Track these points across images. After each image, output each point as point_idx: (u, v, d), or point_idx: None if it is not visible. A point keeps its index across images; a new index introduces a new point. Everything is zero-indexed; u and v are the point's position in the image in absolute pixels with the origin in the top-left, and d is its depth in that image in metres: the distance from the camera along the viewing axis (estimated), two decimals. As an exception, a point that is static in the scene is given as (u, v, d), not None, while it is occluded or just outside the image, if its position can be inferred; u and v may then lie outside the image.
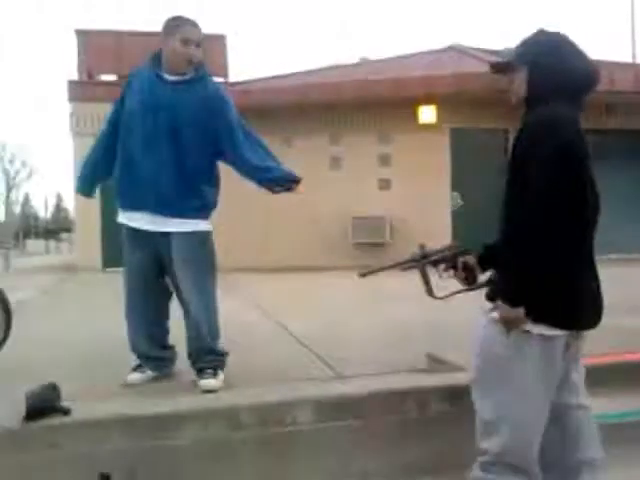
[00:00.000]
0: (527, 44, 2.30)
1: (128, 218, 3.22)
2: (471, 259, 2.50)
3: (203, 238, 3.19)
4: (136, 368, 3.26)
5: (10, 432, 2.49)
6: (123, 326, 3.29)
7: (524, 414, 2.12)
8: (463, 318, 5.00)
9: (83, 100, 11.59)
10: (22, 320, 4.37)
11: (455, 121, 10.70)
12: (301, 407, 2.75)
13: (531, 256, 2.04)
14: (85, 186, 3.41)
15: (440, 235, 10.56)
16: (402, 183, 10.50)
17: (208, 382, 3.01)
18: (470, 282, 2.52)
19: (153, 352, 3.28)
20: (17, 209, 51.85)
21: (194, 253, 3.13)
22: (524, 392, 2.10)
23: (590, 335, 2.23)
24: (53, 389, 2.64)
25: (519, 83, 2.27)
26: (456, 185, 10.77)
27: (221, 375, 3.10)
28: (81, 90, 11.76)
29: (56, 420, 2.55)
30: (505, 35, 40.84)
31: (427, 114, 10.63)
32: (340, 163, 10.79)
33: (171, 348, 3.38)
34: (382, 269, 2.73)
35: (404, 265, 2.65)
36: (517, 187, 2.15)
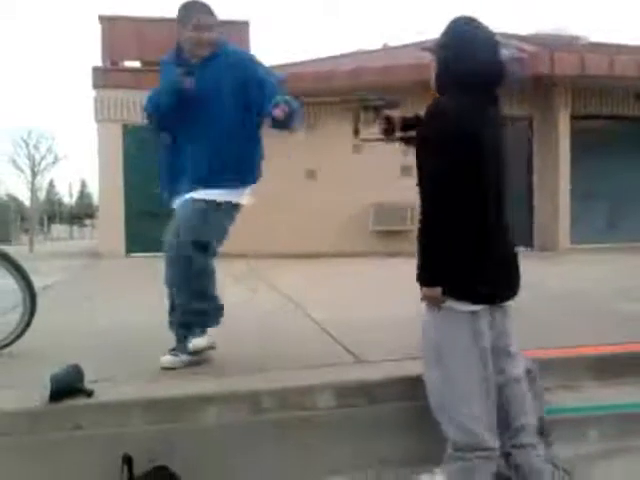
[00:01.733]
0: (441, 35, 2.39)
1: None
2: (396, 114, 2.64)
3: (209, 206, 3.14)
4: (171, 351, 3.21)
5: (35, 413, 2.54)
6: (150, 313, 3.31)
7: (465, 389, 2.28)
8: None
9: (107, 87, 11.66)
10: (46, 305, 4.43)
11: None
12: (321, 392, 2.76)
13: (435, 240, 2.26)
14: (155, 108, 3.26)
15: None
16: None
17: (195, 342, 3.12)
18: (388, 134, 2.66)
19: (204, 304, 3.21)
20: (42, 195, 52.49)
21: (193, 218, 3.12)
22: (461, 367, 2.28)
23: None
24: (77, 371, 2.68)
25: (432, 73, 2.42)
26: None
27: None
28: (105, 77, 11.83)
29: (80, 401, 2.58)
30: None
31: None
32: (362, 149, 10.74)
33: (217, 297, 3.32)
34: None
35: (346, 105, 2.79)
36: (419, 171, 2.37)
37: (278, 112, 2.92)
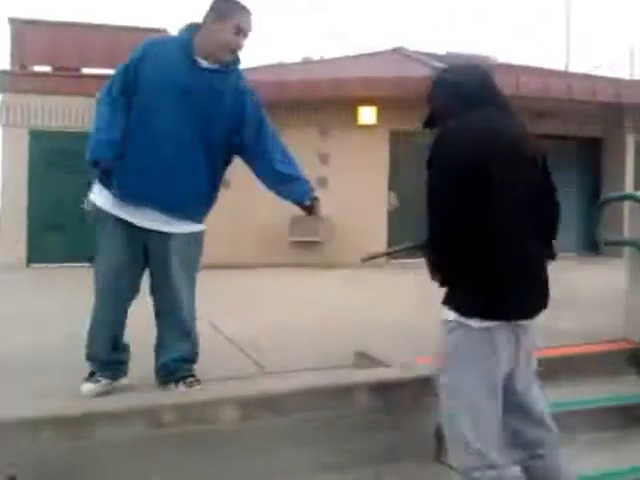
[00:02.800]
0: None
1: (125, 211, 2.87)
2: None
3: (201, 239, 3.08)
4: (89, 377, 3.02)
5: None
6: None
7: (475, 402, 2.24)
8: (393, 318, 5.09)
9: (15, 91, 11.17)
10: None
11: (395, 123, 10.80)
12: (224, 405, 2.71)
13: (441, 261, 2.28)
14: (107, 150, 2.81)
15: (375, 234, 10.67)
16: (340, 182, 10.53)
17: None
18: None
19: (113, 355, 3.04)
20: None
21: (191, 254, 3.01)
22: (472, 381, 2.24)
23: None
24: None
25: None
26: (393, 186, 10.88)
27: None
28: (13, 81, 11.33)
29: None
30: (451, 41, 41.71)
31: (367, 115, 10.70)
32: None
33: (128, 350, 3.15)
34: (382, 254, 3.23)
35: (394, 254, 3.16)
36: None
37: (315, 208, 3.20)
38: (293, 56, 23.14)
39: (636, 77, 17.21)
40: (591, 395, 3.36)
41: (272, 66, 12.98)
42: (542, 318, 2.35)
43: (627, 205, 4.49)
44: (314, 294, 6.71)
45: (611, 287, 4.70)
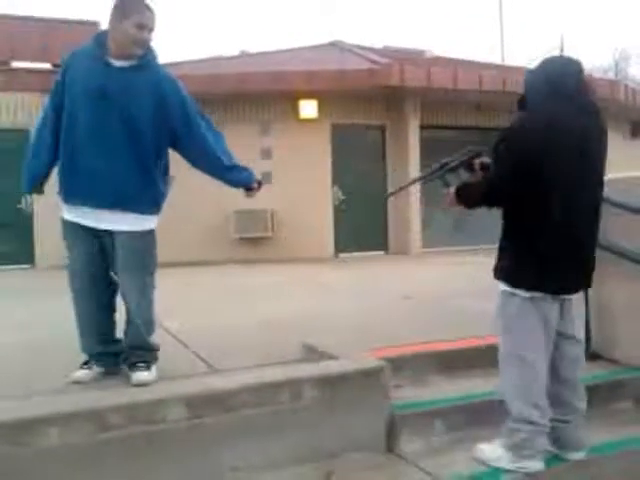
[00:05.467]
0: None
1: (71, 213, 3.04)
2: (486, 159, 2.89)
3: (148, 235, 3.08)
4: (83, 365, 3.15)
5: None
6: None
7: (523, 355, 2.70)
8: (335, 310, 5.12)
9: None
10: None
11: (336, 116, 10.84)
12: (171, 404, 2.66)
13: (503, 237, 2.80)
14: (35, 184, 3.11)
15: (322, 228, 10.72)
16: (284, 177, 10.50)
17: (140, 374, 2.95)
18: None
19: (100, 348, 3.15)
20: None
21: (138, 250, 3.03)
22: (523, 340, 2.71)
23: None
24: None
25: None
26: (337, 180, 10.93)
27: (154, 369, 3.05)
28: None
29: None
30: (385, 34, 42.22)
31: (308, 109, 10.69)
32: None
33: (119, 342, 3.22)
34: (406, 186, 3.44)
35: (427, 177, 3.04)
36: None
37: (255, 188, 3.29)
38: (229, 50, 22.92)
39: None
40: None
41: (207, 59, 12.82)
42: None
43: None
44: (258, 290, 6.68)
45: None
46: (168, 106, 2.98)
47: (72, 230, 3.07)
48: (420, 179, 3.13)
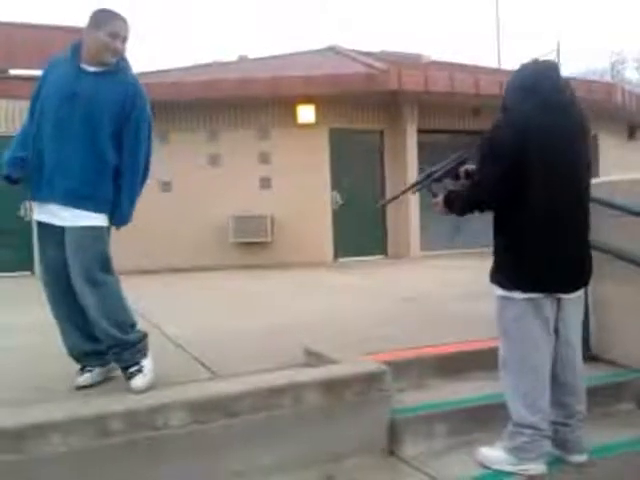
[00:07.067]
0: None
1: (37, 211, 3.15)
2: (471, 166, 2.92)
3: (95, 233, 3.05)
4: (83, 368, 3.20)
5: None
6: None
7: (522, 359, 2.71)
8: (336, 315, 5.13)
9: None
10: None
11: (334, 121, 10.86)
12: (173, 410, 2.66)
13: (494, 238, 2.82)
14: (9, 166, 3.12)
15: (321, 233, 10.73)
16: (283, 182, 10.51)
17: (135, 381, 2.98)
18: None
19: (89, 346, 3.19)
20: None
21: (83, 247, 3.01)
22: (522, 344, 2.72)
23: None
24: None
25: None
26: (335, 184, 10.94)
27: (146, 367, 3.05)
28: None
29: None
30: (383, 38, 42.36)
31: (306, 114, 10.70)
32: (219, 161, 10.64)
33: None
34: (397, 196, 3.42)
35: (413, 188, 3.12)
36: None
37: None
38: (227, 55, 22.95)
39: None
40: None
41: (206, 65, 12.84)
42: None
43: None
44: (259, 295, 6.69)
45: None
46: (127, 113, 3.08)
47: (39, 230, 3.17)
48: (407, 190, 3.18)
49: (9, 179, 3.13)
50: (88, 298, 3.00)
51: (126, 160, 3.11)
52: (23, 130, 3.21)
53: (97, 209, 3.06)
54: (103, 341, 3.10)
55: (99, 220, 3.07)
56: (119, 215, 3.14)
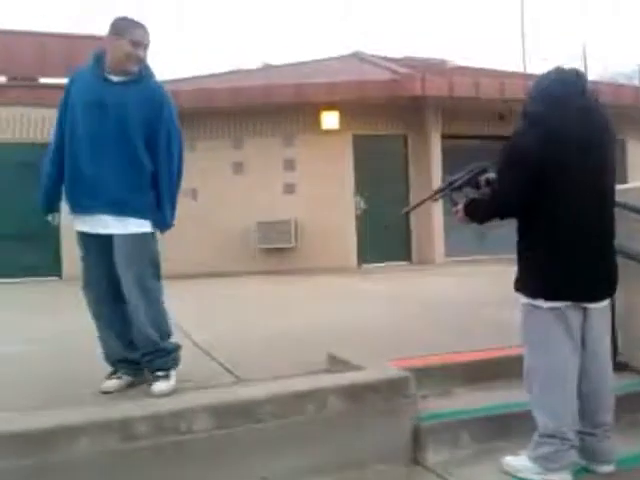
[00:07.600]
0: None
1: (79, 222, 3.17)
2: (492, 174, 2.90)
3: (144, 239, 3.12)
4: (111, 375, 3.22)
5: None
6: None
7: (547, 368, 2.68)
8: (360, 321, 5.12)
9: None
10: None
11: (357, 127, 10.87)
12: (197, 414, 2.68)
13: (518, 247, 2.79)
14: (49, 203, 3.25)
15: (345, 239, 10.73)
16: (307, 188, 10.55)
17: (159, 385, 3.03)
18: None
19: (126, 354, 3.23)
20: None
21: (131, 255, 3.07)
22: (547, 353, 2.68)
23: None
24: None
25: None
26: (359, 190, 10.94)
27: (173, 376, 3.12)
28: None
29: None
30: (406, 44, 42.24)
31: (330, 120, 10.74)
32: (244, 168, 10.72)
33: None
34: (417, 205, 3.43)
35: (434, 196, 3.15)
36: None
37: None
38: (251, 62, 23.10)
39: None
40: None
41: (231, 72, 12.95)
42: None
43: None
44: (283, 301, 6.70)
45: None
46: (157, 122, 3.13)
47: (81, 240, 3.20)
48: (428, 198, 3.20)
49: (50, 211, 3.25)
50: (139, 303, 3.07)
51: (162, 164, 3.14)
52: (47, 155, 3.24)
53: (142, 216, 3.11)
54: (141, 348, 3.14)
55: (146, 226, 3.13)
56: (162, 220, 3.19)
